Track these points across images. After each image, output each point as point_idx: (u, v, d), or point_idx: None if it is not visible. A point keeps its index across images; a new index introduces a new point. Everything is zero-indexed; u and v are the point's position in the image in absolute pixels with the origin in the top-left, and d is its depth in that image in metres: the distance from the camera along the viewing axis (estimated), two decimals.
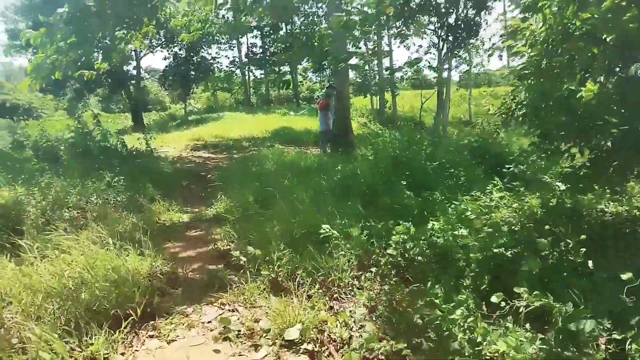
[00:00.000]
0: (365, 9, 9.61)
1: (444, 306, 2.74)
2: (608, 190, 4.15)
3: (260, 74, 39.13)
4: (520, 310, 2.67)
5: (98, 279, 3.36)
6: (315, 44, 9.70)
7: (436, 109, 12.29)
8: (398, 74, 14.80)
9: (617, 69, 2.61)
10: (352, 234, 4.26)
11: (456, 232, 4.06)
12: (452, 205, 4.64)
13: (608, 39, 2.51)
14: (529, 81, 3.33)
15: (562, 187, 4.51)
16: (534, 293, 2.69)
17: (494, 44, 31.26)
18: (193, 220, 6.21)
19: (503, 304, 2.73)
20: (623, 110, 2.69)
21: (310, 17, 27.25)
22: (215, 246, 4.93)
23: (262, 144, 15.08)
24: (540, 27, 2.98)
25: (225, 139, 16.76)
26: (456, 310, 2.64)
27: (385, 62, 32.62)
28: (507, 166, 6.12)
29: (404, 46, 17.16)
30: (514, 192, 4.86)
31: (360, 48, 9.71)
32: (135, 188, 7.24)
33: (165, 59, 30.47)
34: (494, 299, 2.71)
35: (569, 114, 2.83)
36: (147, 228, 4.94)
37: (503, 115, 3.95)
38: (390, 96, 32.22)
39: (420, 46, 25.99)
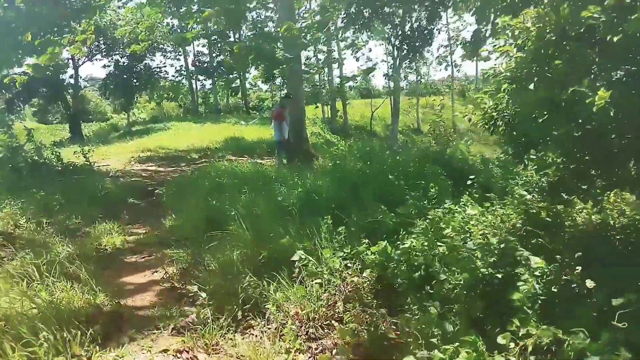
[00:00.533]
0: (316, 17, 9.34)
1: (444, 347, 2.36)
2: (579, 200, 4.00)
3: (209, 83, 38.15)
4: (529, 347, 2.34)
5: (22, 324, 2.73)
6: (266, 47, 9.30)
7: (391, 117, 12.12)
8: (350, 83, 14.71)
9: (623, 73, 2.38)
10: (324, 257, 3.84)
11: (437, 251, 3.74)
12: (427, 220, 4.33)
13: (615, 39, 2.25)
14: (514, 86, 3.06)
15: (537, 198, 4.33)
16: (542, 327, 2.38)
17: (441, 54, 32.18)
18: (139, 244, 5.53)
19: (512, 344, 2.38)
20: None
21: (259, 25, 26.85)
22: (167, 275, 4.33)
23: (213, 155, 14.40)
24: (531, 26, 2.71)
25: (173, 150, 15.88)
26: (461, 351, 2.27)
27: (336, 70, 32.79)
28: (471, 177, 5.95)
29: (354, 57, 17.08)
30: (487, 204, 4.64)
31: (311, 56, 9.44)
32: (72, 208, 6.45)
33: (105, 66, 28.90)
34: (500, 340, 2.36)
35: (573, 124, 2.57)
36: (85, 255, 4.29)
37: (486, 126, 3.63)
38: (341, 105, 32.31)
39: (369, 59, 26.27)
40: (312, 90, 34.30)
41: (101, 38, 25.56)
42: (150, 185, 9.49)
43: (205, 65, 35.33)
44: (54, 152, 9.64)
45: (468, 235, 3.99)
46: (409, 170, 6.43)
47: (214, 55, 35.82)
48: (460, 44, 25.43)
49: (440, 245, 3.85)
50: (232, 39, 34.44)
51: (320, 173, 7.87)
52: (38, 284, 3.46)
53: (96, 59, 28.41)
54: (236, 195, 6.36)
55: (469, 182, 5.84)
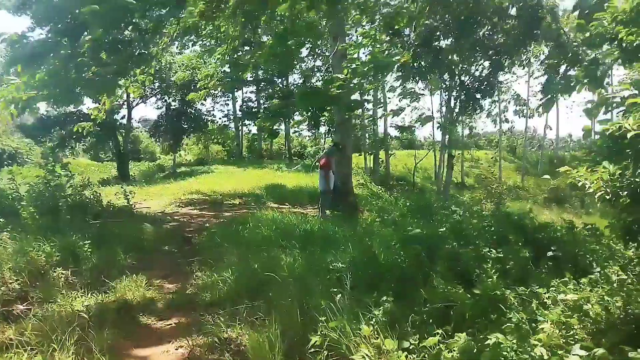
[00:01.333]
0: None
1: None
2: None
3: (255, 128, 38.80)
4: None
5: None
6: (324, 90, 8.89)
7: (446, 170, 11.30)
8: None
9: None
10: (386, 349, 3.06)
11: (534, 354, 2.88)
12: (514, 307, 3.49)
13: None
14: None
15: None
16: None
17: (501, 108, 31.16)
18: (167, 304, 4.88)
19: None
20: None
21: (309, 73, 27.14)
22: (192, 351, 3.64)
23: (254, 201, 13.96)
24: None
25: (215, 194, 15.60)
26: None
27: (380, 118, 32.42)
28: (552, 248, 5.05)
29: (409, 106, 16.48)
30: (585, 287, 3.76)
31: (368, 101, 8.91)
32: (103, 256, 5.98)
33: (158, 108, 29.88)
34: None
35: None
36: (104, 317, 3.71)
37: (607, 197, 2.84)
38: (384, 155, 31.76)
39: (416, 108, 25.80)
40: (354, 140, 34.06)
41: (156, 81, 26.55)
42: (188, 231, 9.02)
43: (253, 110, 35.98)
44: (94, 193, 9.40)
45: (571, 333, 3.12)
46: (477, 236, 5.59)
47: (261, 100, 36.57)
48: (514, 97, 24.51)
49: (537, 345, 3.00)
50: (279, 86, 35.19)
51: (369, 231, 7.13)
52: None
53: (149, 101, 29.45)
54: (278, 252, 5.70)
55: (549, 254, 4.98)
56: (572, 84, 5.64)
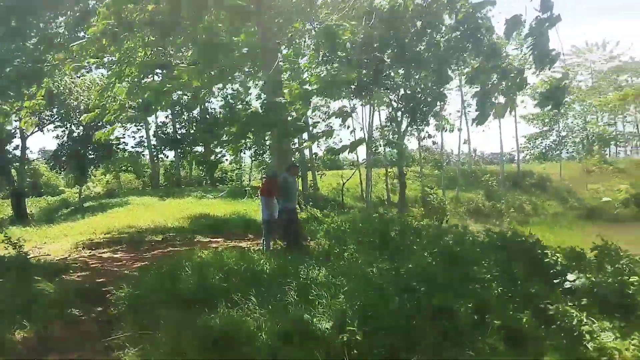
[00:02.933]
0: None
1: None
2: None
3: (172, 155, 36.18)
4: None
5: None
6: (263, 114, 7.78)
7: (398, 188, 10.48)
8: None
9: None
10: None
11: None
12: None
13: None
14: None
15: None
16: None
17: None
18: None
19: None
20: None
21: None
22: None
23: (180, 236, 12.22)
24: None
25: (132, 231, 13.55)
26: None
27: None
28: (570, 278, 4.26)
29: (345, 127, 15.67)
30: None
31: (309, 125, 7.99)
32: None
33: (58, 137, 26.45)
34: None
35: None
36: None
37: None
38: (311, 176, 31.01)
39: (352, 129, 25.28)
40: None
41: (54, 107, 23.57)
42: (100, 284, 7.22)
43: (169, 136, 33.55)
44: None
45: None
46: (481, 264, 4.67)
47: (177, 126, 34.26)
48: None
49: None
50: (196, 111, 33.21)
51: (339, 270, 6.00)
52: None
53: (47, 129, 26.17)
54: (231, 312, 4.35)
55: (567, 285, 4.17)
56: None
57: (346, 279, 4.86)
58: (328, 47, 8.61)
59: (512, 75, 8.13)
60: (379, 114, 32.29)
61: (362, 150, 44.31)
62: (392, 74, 8.78)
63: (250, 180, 31.28)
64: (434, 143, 42.60)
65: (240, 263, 6.51)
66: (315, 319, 3.67)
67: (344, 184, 33.19)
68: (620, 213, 36.77)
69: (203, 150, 21.99)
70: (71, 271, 8.22)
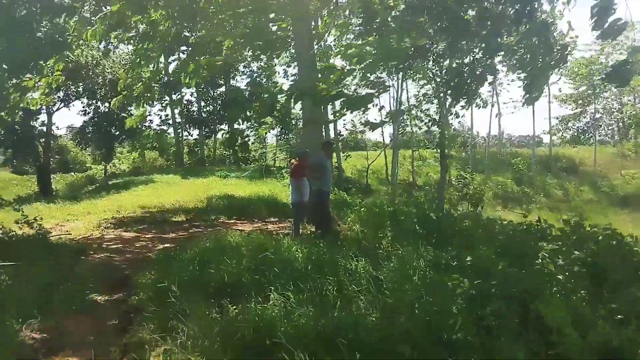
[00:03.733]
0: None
1: None
2: None
3: (197, 133, 35.93)
4: None
5: None
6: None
7: (440, 172, 9.74)
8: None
9: None
10: None
11: None
12: None
13: None
14: None
15: None
16: None
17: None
18: None
19: None
20: None
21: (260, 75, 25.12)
22: None
23: (204, 217, 11.81)
24: None
25: (156, 210, 13.23)
26: None
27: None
28: None
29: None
30: None
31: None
32: None
33: (85, 113, 26.35)
34: None
35: None
36: None
37: None
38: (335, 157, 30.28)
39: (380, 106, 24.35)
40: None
41: (80, 82, 23.37)
42: (122, 267, 6.82)
43: (194, 114, 33.25)
44: None
45: None
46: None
47: (202, 104, 33.94)
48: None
49: None
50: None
51: (377, 257, 5.39)
52: None
53: (73, 105, 26.09)
54: (264, 309, 3.79)
55: None
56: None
57: (395, 274, 4.25)
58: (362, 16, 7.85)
59: (556, 50, 7.18)
60: (407, 91, 31.18)
61: (387, 132, 43.30)
62: (437, 44, 7.97)
63: (275, 160, 30.71)
64: (459, 123, 41.25)
65: (270, 250, 5.96)
66: (362, 324, 3.09)
67: (369, 165, 32.35)
68: None
69: (229, 130, 21.50)
70: (92, 252, 7.86)
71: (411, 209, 8.48)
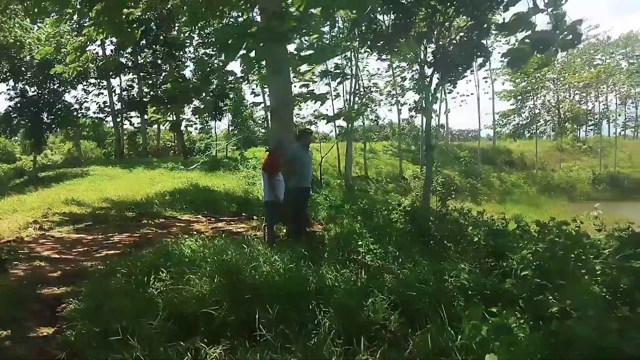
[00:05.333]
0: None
1: None
2: None
3: (138, 122, 33.38)
4: None
5: None
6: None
7: (426, 166, 8.92)
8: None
9: None
10: None
11: None
12: None
13: None
14: None
15: None
16: None
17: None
18: None
19: None
20: None
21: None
22: None
23: (154, 214, 10.40)
24: None
25: (94, 206, 11.59)
26: None
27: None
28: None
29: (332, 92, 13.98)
30: None
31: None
32: None
33: (10, 98, 23.45)
34: None
35: None
36: None
37: None
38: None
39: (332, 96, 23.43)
40: (246, 132, 30.10)
41: (4, 62, 20.70)
42: (52, 283, 5.43)
43: (136, 100, 30.82)
44: None
45: None
46: None
47: (144, 89, 31.52)
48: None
49: None
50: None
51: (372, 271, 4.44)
52: None
53: None
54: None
55: None
56: None
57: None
58: None
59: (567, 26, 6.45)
60: (361, 81, 30.48)
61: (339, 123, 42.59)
62: (421, 20, 7.14)
63: (226, 151, 29.09)
64: (412, 116, 41.45)
65: (239, 260, 4.86)
66: None
67: (322, 158, 31.47)
68: (590, 191, 37.07)
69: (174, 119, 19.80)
70: (16, 262, 6.37)
71: (395, 205, 7.65)
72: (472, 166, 38.93)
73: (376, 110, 35.49)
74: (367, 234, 6.60)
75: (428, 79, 7.37)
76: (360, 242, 6.03)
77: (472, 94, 62.05)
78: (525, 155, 43.34)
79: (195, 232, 7.43)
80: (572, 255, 3.60)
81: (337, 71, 12.68)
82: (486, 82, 42.43)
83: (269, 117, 8.27)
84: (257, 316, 3.48)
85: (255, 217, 9.01)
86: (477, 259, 4.48)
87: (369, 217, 8.84)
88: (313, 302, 3.61)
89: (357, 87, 29.75)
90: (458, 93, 45.05)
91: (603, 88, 44.42)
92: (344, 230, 7.01)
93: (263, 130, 35.92)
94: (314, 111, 30.01)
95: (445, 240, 5.42)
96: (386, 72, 35.50)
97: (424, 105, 7.36)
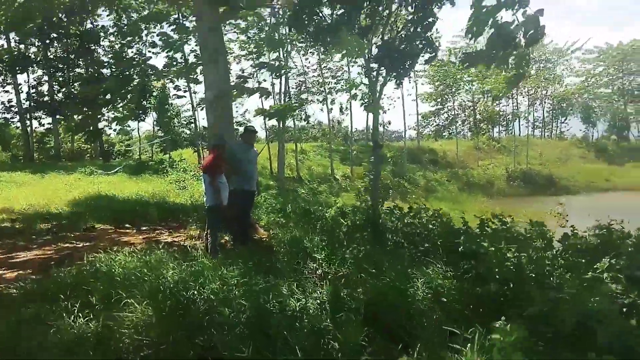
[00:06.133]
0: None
1: None
2: None
3: (48, 122, 30.37)
4: None
5: None
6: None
7: (373, 162, 8.71)
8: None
9: None
10: None
11: None
12: None
13: None
14: None
15: None
16: None
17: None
18: None
19: None
20: None
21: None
22: None
23: (74, 225, 9.24)
24: None
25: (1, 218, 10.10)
26: None
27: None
28: None
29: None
30: None
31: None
32: None
33: None
34: None
35: None
36: None
37: None
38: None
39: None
40: (169, 133, 28.48)
41: None
42: None
43: (46, 100, 28.01)
44: None
45: None
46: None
47: (55, 87, 28.77)
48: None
49: None
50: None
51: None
52: None
53: None
54: None
55: None
56: None
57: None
58: None
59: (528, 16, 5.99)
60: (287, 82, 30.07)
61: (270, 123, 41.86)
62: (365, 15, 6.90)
63: (152, 153, 27.33)
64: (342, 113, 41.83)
65: (187, 279, 4.23)
66: None
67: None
68: (505, 187, 39.67)
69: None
70: None
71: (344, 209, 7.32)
72: (399, 165, 39.98)
73: (306, 109, 35.22)
74: (317, 239, 6.22)
75: (374, 75, 7.15)
76: (315, 249, 5.61)
77: (398, 98, 63.97)
78: (447, 154, 45.35)
79: (124, 245, 6.57)
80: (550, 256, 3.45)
81: (275, 64, 12.15)
82: (410, 83, 43.96)
83: (205, 111, 7.56)
84: (211, 344, 2.95)
85: (193, 225, 8.27)
86: (446, 262, 4.25)
87: (312, 220, 8.47)
88: (278, 324, 3.12)
89: (294, 85, 29.32)
90: (385, 95, 46.17)
91: (514, 91, 47.69)
92: (293, 236, 6.56)
93: (188, 132, 34.35)
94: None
95: (407, 242, 5.16)
96: (314, 70, 35.32)
97: (371, 101, 7.11)
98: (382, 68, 6.98)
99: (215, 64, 7.19)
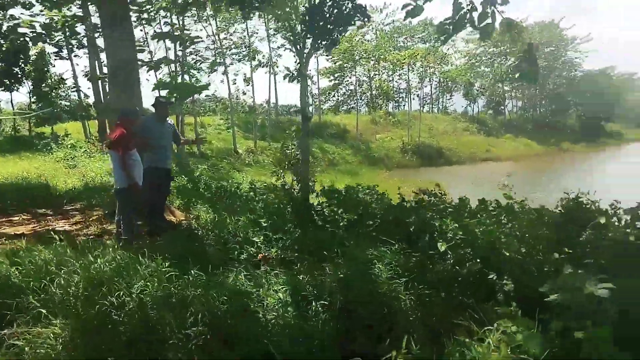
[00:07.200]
0: None
1: None
2: None
3: None
4: None
5: None
6: None
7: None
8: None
9: None
10: None
11: None
12: None
13: None
14: None
15: None
16: None
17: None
18: None
19: None
20: None
21: None
22: None
23: None
24: None
25: None
26: None
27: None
28: None
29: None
30: None
31: None
32: None
33: None
34: None
35: None
36: None
37: None
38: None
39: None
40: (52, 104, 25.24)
41: None
42: None
43: None
44: None
45: None
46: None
47: None
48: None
49: None
50: None
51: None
52: None
53: None
54: None
55: None
56: None
57: None
58: None
59: None
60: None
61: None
62: None
63: (30, 128, 23.84)
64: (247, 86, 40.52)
65: (106, 276, 3.51)
66: None
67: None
68: (400, 159, 41.88)
69: None
70: None
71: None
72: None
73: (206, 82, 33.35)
74: (243, 219, 5.70)
75: (301, 43, 6.67)
76: (247, 232, 5.10)
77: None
78: (347, 128, 46.34)
79: (12, 238, 5.43)
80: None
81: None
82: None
83: (108, 81, 6.50)
84: None
85: (96, 209, 7.18)
86: (395, 239, 4.03)
87: (228, 199, 7.91)
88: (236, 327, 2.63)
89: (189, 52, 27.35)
90: (285, 66, 45.38)
91: (405, 68, 49.87)
92: (218, 218, 5.96)
93: (67, 103, 30.55)
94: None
95: (349, 221, 4.87)
96: (209, 38, 33.37)
97: (299, 71, 6.63)
98: (310, 36, 6.53)
99: (118, 29, 6.15)
